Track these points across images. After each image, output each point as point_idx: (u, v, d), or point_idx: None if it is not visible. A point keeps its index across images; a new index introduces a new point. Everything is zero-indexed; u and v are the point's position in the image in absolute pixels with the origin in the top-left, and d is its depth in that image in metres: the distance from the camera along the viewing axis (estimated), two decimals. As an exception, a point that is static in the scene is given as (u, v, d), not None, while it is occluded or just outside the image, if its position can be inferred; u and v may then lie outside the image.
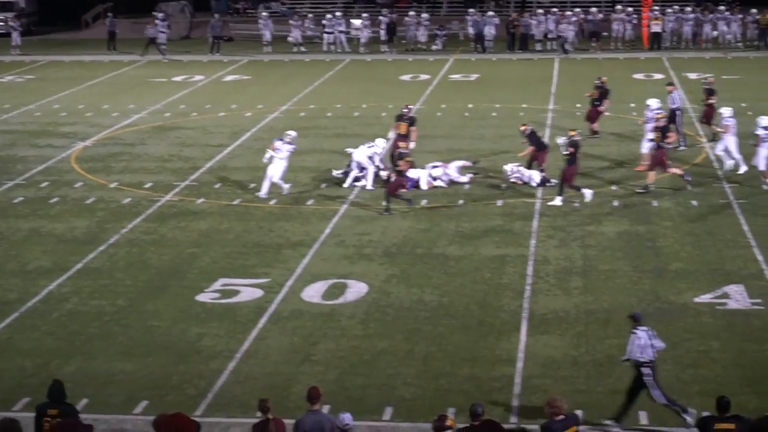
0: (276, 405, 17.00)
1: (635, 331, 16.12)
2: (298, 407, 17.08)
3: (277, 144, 28.46)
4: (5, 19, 63.53)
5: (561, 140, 27.77)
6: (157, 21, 57.38)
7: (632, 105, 38.44)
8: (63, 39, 61.73)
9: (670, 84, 34.66)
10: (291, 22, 58.18)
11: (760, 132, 28.81)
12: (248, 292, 22.13)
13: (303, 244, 24.87)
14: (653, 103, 31.19)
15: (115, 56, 55.09)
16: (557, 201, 27.35)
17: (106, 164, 32.77)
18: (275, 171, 28.39)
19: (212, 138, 36.08)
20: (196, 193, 29.31)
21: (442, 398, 17.35)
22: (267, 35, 57.33)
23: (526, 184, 28.92)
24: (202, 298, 21.91)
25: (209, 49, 56.34)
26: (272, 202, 28.15)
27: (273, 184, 28.43)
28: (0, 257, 24.69)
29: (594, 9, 57.23)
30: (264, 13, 60.79)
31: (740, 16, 55.37)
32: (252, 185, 29.59)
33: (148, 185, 30.15)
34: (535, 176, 28.90)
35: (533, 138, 29.45)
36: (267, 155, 28.61)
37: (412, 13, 58.81)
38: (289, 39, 57.30)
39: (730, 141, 29.94)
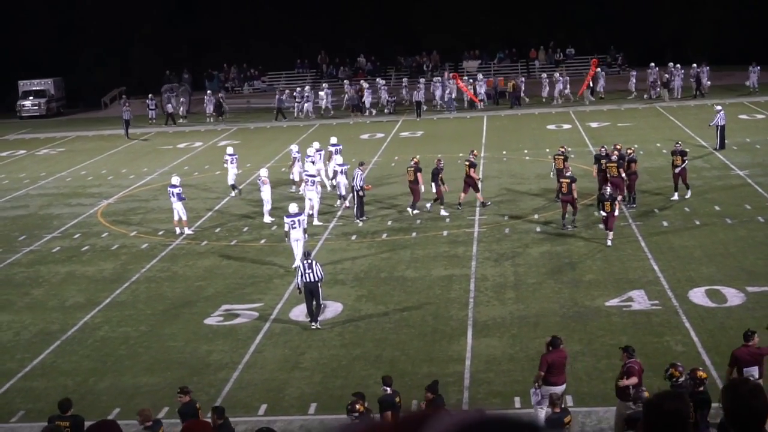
0: (272, 405, 17.00)
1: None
2: (291, 406, 17.06)
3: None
4: (39, 104, 63.15)
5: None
6: (147, 101, 57.19)
7: (547, 150, 38.69)
8: (86, 118, 61.39)
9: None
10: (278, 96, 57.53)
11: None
12: (246, 314, 22.04)
13: (289, 274, 24.78)
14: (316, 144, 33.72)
15: (130, 129, 54.39)
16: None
17: (126, 217, 32.59)
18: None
19: (211, 192, 35.98)
20: (200, 237, 29.18)
21: (406, 393, 17.23)
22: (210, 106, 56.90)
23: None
24: (209, 321, 21.80)
25: (175, 119, 56.63)
26: (262, 242, 28.08)
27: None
28: (43, 296, 24.50)
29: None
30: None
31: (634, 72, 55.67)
32: (246, 228, 29.52)
33: (161, 233, 30.00)
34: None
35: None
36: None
37: (362, 81, 58.04)
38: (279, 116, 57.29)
39: (264, 192, 29.73)
